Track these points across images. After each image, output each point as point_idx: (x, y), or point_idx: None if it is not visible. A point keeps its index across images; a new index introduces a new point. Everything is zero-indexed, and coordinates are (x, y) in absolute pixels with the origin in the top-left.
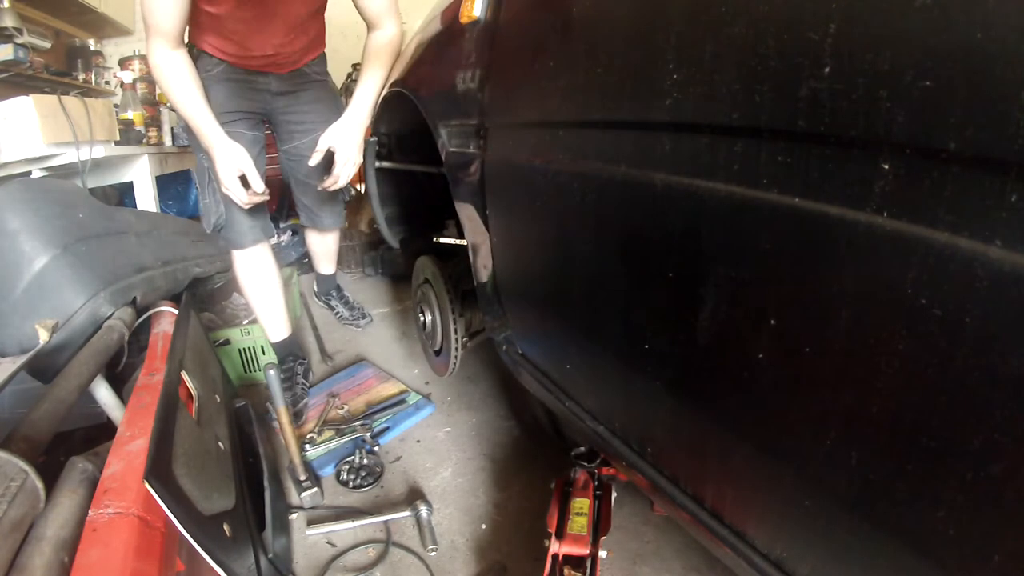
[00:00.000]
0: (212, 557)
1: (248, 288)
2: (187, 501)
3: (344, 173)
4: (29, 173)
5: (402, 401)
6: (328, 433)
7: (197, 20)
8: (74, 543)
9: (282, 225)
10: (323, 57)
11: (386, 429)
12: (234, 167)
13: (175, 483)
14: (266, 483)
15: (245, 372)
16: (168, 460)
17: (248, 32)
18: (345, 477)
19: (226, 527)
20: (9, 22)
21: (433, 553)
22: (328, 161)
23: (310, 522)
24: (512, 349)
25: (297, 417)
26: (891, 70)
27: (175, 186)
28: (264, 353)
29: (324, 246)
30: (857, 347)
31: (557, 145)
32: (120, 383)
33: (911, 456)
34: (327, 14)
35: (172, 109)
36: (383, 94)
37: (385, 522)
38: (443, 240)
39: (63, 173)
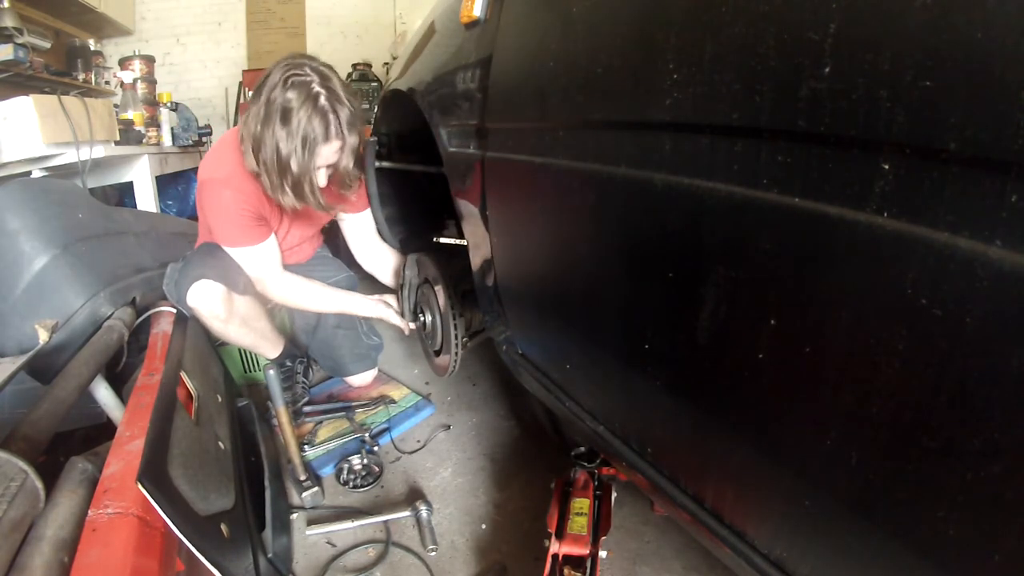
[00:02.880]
0: (207, 557)
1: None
2: (182, 502)
3: None
4: (29, 173)
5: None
6: (328, 433)
7: None
8: (74, 543)
9: None
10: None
11: (386, 429)
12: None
13: (170, 484)
14: (266, 483)
15: (245, 372)
16: (163, 461)
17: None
18: (345, 477)
19: (224, 527)
20: (9, 22)
21: (433, 553)
22: None
23: (310, 522)
24: (512, 349)
25: (297, 416)
26: (891, 70)
27: (175, 186)
28: None
29: None
30: (857, 347)
31: (557, 145)
32: (120, 383)
33: (911, 456)
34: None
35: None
36: (383, 94)
37: (385, 522)
38: (443, 240)
39: (63, 173)
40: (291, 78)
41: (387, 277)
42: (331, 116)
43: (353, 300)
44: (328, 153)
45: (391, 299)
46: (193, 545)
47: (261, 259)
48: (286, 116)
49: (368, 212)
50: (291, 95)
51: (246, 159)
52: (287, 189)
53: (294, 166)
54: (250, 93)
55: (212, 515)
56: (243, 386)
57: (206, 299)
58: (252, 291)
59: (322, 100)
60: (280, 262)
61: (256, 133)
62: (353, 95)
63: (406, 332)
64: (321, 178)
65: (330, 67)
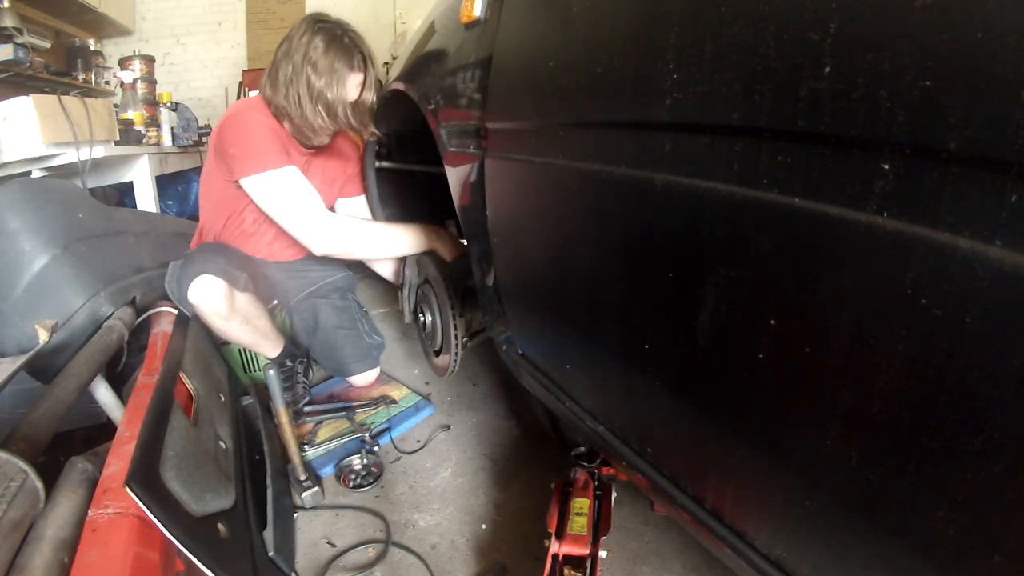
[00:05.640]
0: (198, 557)
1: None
2: (173, 503)
3: None
4: (29, 173)
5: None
6: (328, 433)
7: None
8: (74, 543)
9: None
10: None
11: (386, 429)
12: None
13: (161, 486)
14: (268, 481)
15: (246, 372)
16: (155, 463)
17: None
18: (345, 477)
19: (221, 527)
20: (9, 22)
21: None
22: None
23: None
24: (512, 349)
25: (298, 416)
26: (891, 70)
27: (175, 186)
28: None
29: None
30: (857, 347)
31: (557, 145)
32: (120, 383)
33: (911, 456)
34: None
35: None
36: (383, 94)
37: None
38: None
39: (63, 173)
40: (318, 25)
41: (387, 272)
42: (355, 50)
43: (407, 235)
44: (354, 83)
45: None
46: (183, 545)
47: (300, 184)
48: (316, 49)
49: (363, 198)
50: (319, 35)
51: (274, 98)
52: (321, 112)
53: (328, 93)
54: (251, 93)
55: (208, 515)
56: (249, 385)
57: (207, 295)
58: (252, 288)
59: (346, 40)
60: (320, 199)
61: (286, 72)
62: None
63: (448, 259)
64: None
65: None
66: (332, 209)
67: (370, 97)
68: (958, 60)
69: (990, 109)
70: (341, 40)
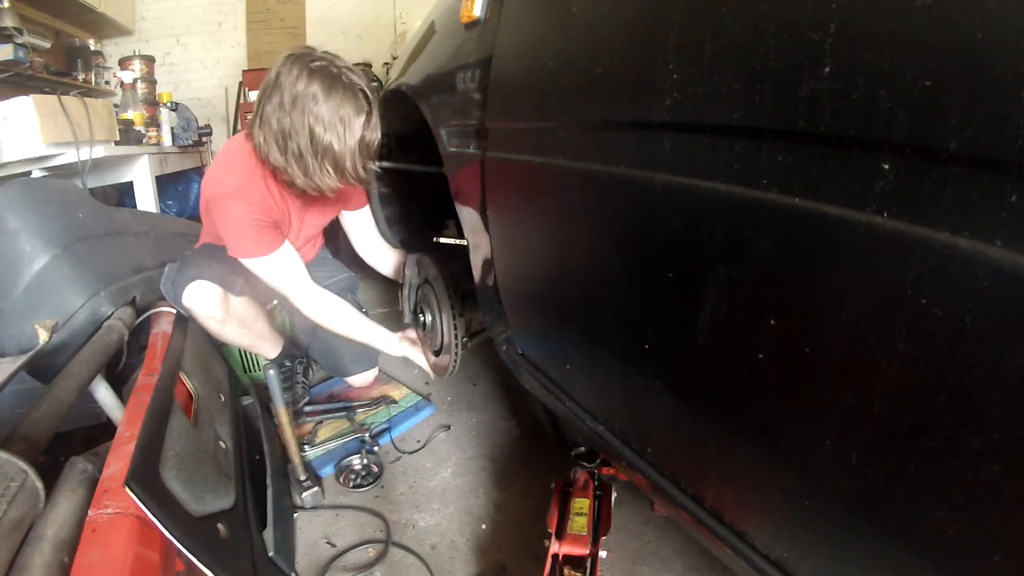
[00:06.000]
0: (197, 557)
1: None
2: (173, 503)
3: None
4: (29, 173)
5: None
6: (328, 433)
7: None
8: (74, 543)
9: None
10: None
11: (386, 429)
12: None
13: (161, 486)
14: (268, 481)
15: (245, 372)
16: (154, 463)
17: None
18: (345, 477)
19: (221, 527)
20: (9, 22)
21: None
22: None
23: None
24: (512, 349)
25: (297, 416)
26: (891, 70)
27: (175, 186)
28: None
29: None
30: (857, 347)
31: (557, 145)
32: (120, 383)
33: (911, 456)
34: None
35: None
36: (383, 94)
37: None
38: (443, 240)
39: (63, 173)
40: (309, 65)
41: (388, 270)
42: (358, 89)
43: (380, 335)
44: (360, 125)
45: (414, 335)
46: (183, 545)
47: (285, 267)
48: (316, 100)
49: (367, 209)
50: (316, 80)
51: (269, 155)
52: (328, 169)
53: (336, 145)
54: (251, 93)
55: (207, 515)
56: (249, 385)
57: (202, 300)
58: (249, 292)
59: (344, 78)
60: (306, 272)
61: (284, 127)
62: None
63: (431, 375)
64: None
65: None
66: (336, 220)
67: (375, 136)
68: (958, 60)
69: (990, 109)
70: (340, 80)
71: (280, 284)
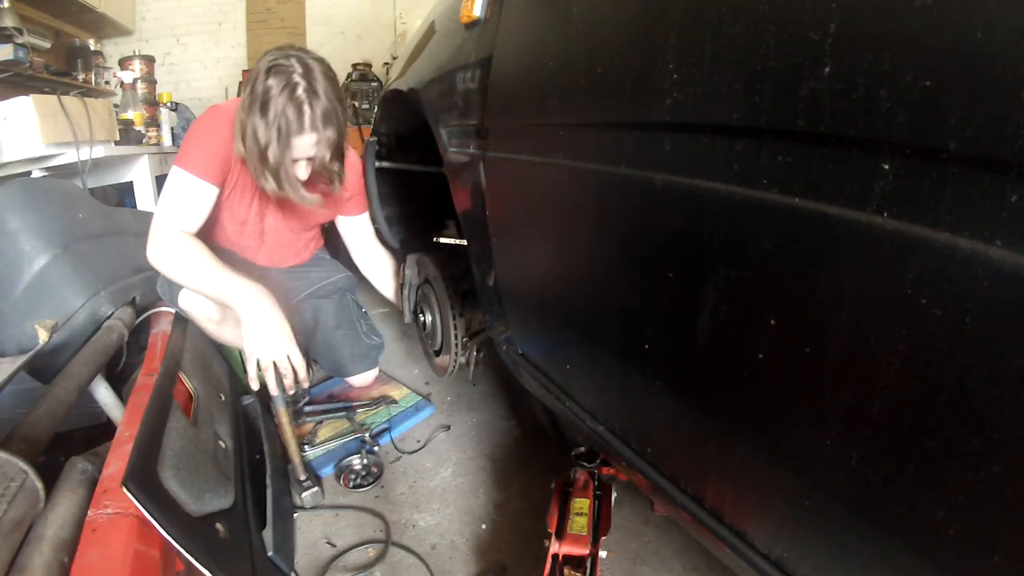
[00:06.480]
0: (195, 557)
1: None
2: (171, 503)
3: None
4: (29, 173)
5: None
6: (328, 433)
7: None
8: (73, 543)
9: None
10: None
11: (386, 429)
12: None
13: (159, 485)
14: (268, 481)
15: (245, 372)
16: (153, 463)
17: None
18: (345, 477)
19: (220, 526)
20: (9, 22)
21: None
22: None
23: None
24: (512, 349)
25: (297, 416)
26: (891, 70)
27: None
28: None
29: None
30: (857, 347)
31: (557, 145)
32: (120, 383)
33: (911, 456)
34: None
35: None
36: (383, 94)
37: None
38: (443, 240)
39: (63, 173)
40: (274, 67)
41: (383, 282)
42: (306, 107)
43: (236, 285)
44: (303, 145)
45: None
46: (181, 545)
47: (182, 196)
48: (265, 105)
49: (365, 215)
50: (271, 83)
51: (235, 143)
52: (268, 176)
53: (270, 155)
54: None
55: (206, 515)
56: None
57: (198, 301)
58: None
59: (299, 91)
60: (197, 224)
61: (243, 119)
62: (337, 90)
63: (254, 387)
64: (301, 171)
65: (321, 60)
66: (330, 225)
67: (326, 157)
68: (958, 60)
69: (990, 109)
70: (294, 91)
71: (164, 205)
